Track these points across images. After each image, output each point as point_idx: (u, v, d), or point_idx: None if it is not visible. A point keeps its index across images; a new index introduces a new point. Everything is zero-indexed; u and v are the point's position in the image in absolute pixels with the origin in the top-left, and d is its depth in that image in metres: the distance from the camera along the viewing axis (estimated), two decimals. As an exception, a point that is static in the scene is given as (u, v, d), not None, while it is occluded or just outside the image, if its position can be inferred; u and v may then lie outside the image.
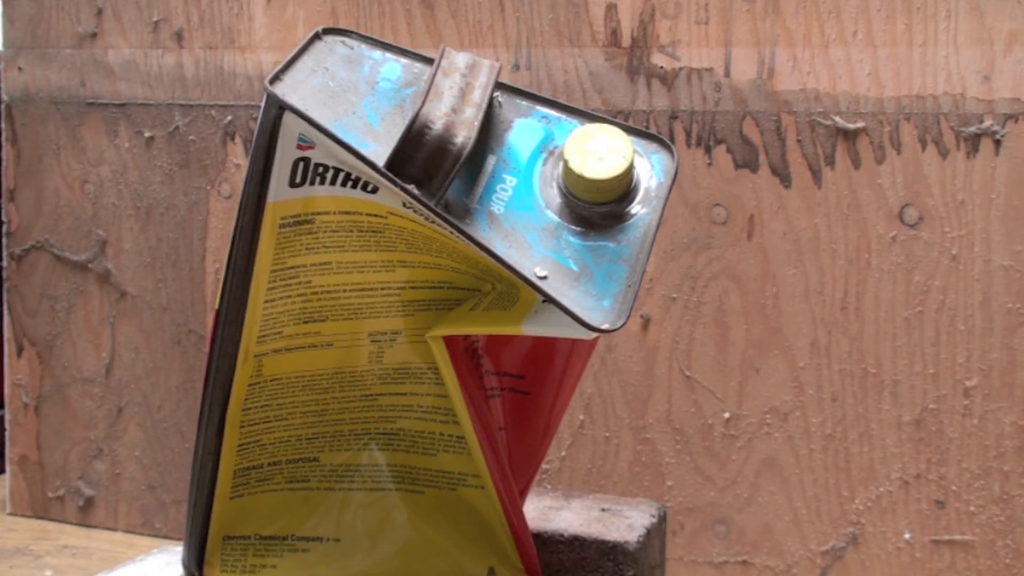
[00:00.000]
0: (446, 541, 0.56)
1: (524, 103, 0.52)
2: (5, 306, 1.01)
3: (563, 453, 0.84)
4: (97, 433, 0.98)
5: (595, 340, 0.53)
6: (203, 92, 0.92)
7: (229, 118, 0.92)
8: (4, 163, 1.00)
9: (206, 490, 0.53)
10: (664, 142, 0.51)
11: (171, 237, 0.94)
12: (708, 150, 0.79)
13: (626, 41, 0.80)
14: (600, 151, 0.48)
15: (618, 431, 0.83)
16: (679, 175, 0.80)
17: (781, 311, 0.78)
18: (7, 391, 1.01)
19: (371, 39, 0.51)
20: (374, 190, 0.48)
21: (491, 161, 0.50)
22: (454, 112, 0.47)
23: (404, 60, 0.50)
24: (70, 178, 0.97)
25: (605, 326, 0.45)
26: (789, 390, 0.78)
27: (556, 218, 0.49)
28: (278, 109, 0.46)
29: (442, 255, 0.51)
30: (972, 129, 0.73)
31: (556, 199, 0.49)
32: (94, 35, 0.96)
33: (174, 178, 0.94)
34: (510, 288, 0.50)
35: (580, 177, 0.48)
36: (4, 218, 1.00)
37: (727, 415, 0.80)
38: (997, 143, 0.73)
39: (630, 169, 0.48)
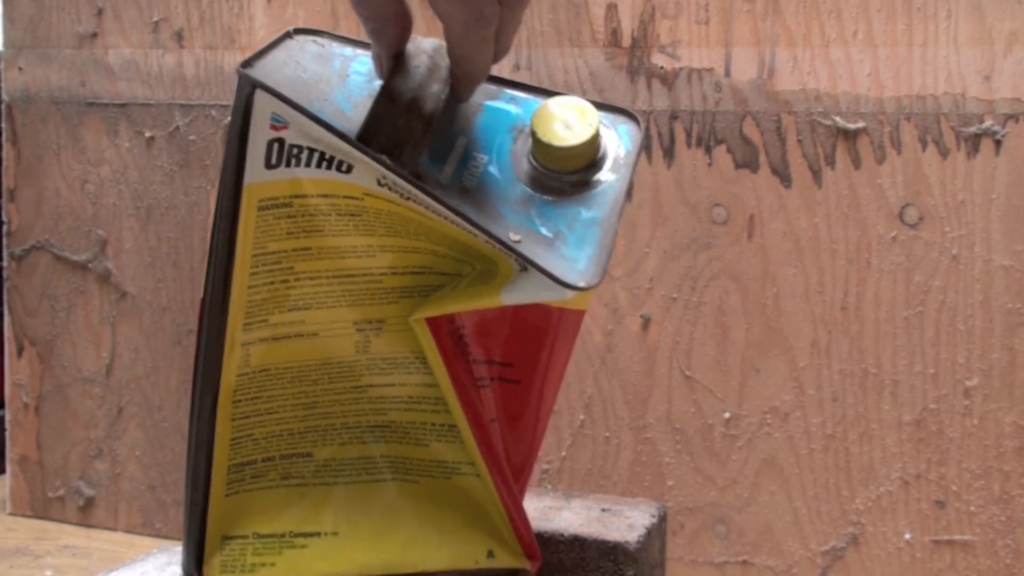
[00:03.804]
0: (444, 528, 0.56)
1: (492, 87, 0.53)
2: (5, 306, 1.01)
3: (563, 453, 0.84)
4: (97, 433, 0.98)
5: (579, 321, 0.54)
6: (203, 92, 0.92)
7: (229, 118, 0.92)
8: (4, 163, 1.00)
9: (201, 487, 0.52)
10: (631, 114, 0.52)
11: (171, 237, 0.94)
12: (708, 150, 0.79)
13: (626, 41, 0.80)
14: (566, 121, 0.49)
15: (618, 431, 0.83)
16: (681, 174, 0.80)
17: (781, 311, 0.78)
18: (7, 391, 1.01)
19: (342, 38, 0.53)
20: (348, 169, 0.48)
21: (462, 142, 0.51)
22: (421, 88, 0.48)
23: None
24: (70, 178, 0.97)
25: (581, 284, 0.46)
26: (789, 390, 0.78)
27: (528, 189, 0.50)
28: (250, 88, 0.46)
29: (420, 237, 0.51)
30: (972, 129, 0.73)
31: (527, 172, 0.50)
32: (94, 35, 0.96)
33: (174, 178, 0.94)
34: (489, 266, 0.51)
35: (548, 146, 0.49)
36: (4, 218, 1.00)
37: (727, 415, 0.80)
38: (997, 143, 0.73)
39: (596, 136, 0.50)
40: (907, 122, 0.74)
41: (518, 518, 0.55)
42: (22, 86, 0.98)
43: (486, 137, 0.51)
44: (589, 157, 0.50)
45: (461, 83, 0.50)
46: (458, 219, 0.47)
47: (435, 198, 0.46)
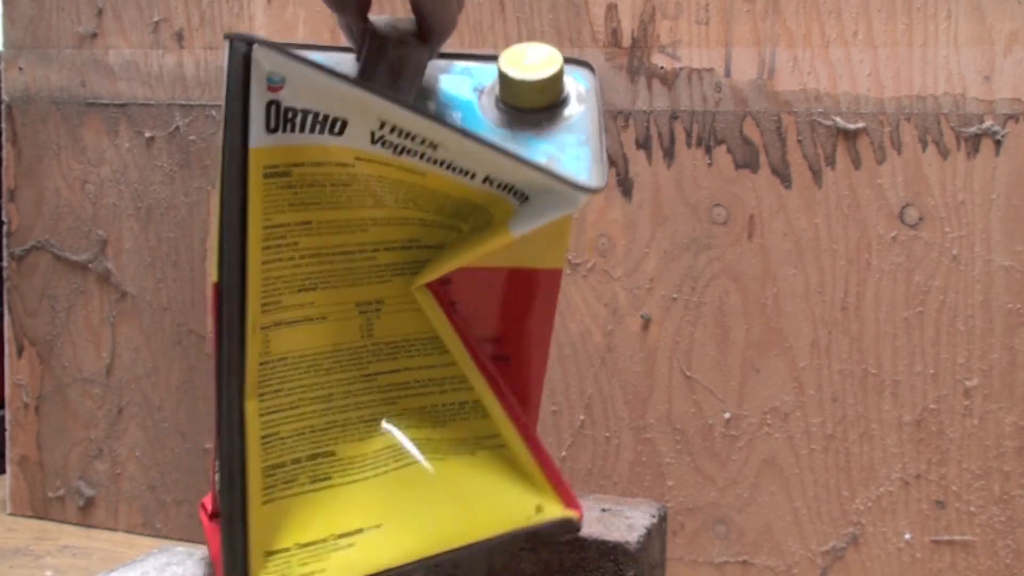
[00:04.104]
0: (487, 494, 0.55)
1: (442, 62, 0.56)
2: (5, 306, 1.01)
3: (563, 453, 0.84)
4: (97, 433, 0.98)
5: (558, 281, 0.56)
6: (203, 92, 0.92)
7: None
8: (4, 163, 1.00)
9: (239, 494, 0.49)
10: (583, 62, 0.57)
11: (171, 237, 0.94)
12: (708, 150, 0.79)
13: (626, 41, 0.80)
14: (532, 60, 0.54)
15: (618, 431, 0.83)
16: (681, 174, 0.80)
17: (781, 311, 0.78)
18: (7, 391, 1.01)
19: (303, 45, 0.56)
20: (342, 129, 0.47)
21: (431, 106, 0.55)
22: (399, 35, 0.52)
23: (339, 54, 0.55)
24: (70, 178, 0.97)
25: (593, 184, 0.50)
26: (789, 390, 0.78)
27: (508, 131, 0.53)
28: (246, 47, 0.45)
29: (409, 205, 0.51)
30: (972, 129, 0.73)
31: (501, 118, 0.54)
32: (94, 35, 0.96)
33: (175, 178, 0.94)
34: (482, 218, 0.52)
35: (521, 82, 0.53)
36: (4, 218, 1.00)
37: (727, 415, 0.80)
38: (997, 143, 0.73)
39: (562, 71, 0.54)
40: (907, 122, 0.74)
41: (553, 474, 0.55)
42: (22, 86, 0.98)
43: (452, 100, 0.55)
44: (557, 92, 0.54)
45: (432, 37, 0.53)
46: (468, 141, 0.48)
47: (439, 121, 0.48)
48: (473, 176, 0.50)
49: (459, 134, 0.48)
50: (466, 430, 0.55)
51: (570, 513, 0.56)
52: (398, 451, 0.54)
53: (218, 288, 0.48)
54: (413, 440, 0.54)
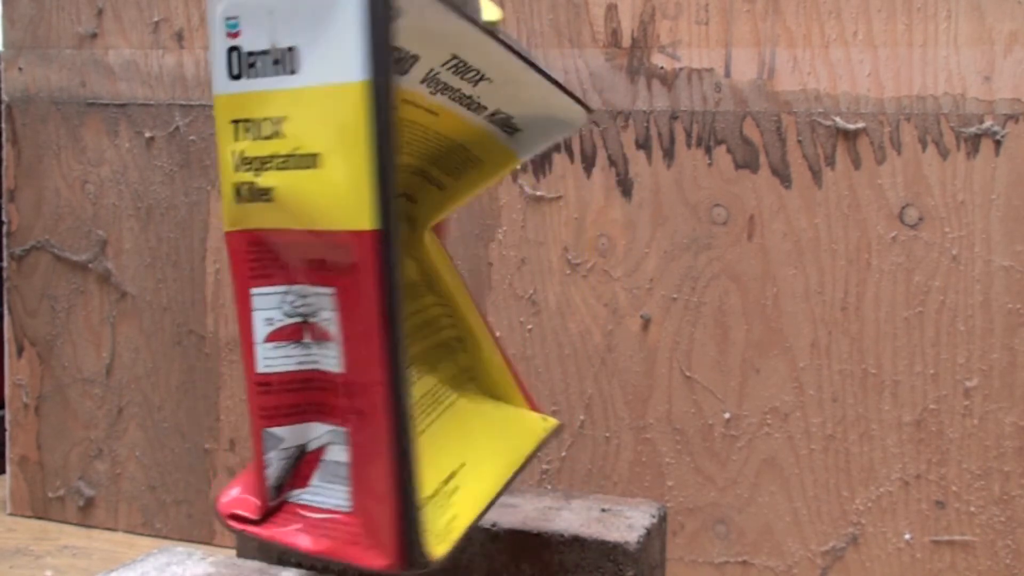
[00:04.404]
0: (505, 418, 0.57)
1: None
2: (5, 306, 1.01)
3: (563, 453, 0.84)
4: (97, 433, 0.98)
5: (445, 237, 0.58)
6: (203, 92, 0.92)
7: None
8: (4, 163, 1.00)
9: (411, 453, 0.45)
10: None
11: (171, 237, 0.94)
12: (708, 150, 0.79)
13: (626, 41, 0.80)
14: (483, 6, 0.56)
15: (618, 431, 0.83)
16: (681, 175, 0.80)
17: (781, 311, 0.78)
18: (7, 391, 1.01)
19: None
20: (407, 69, 0.46)
21: None
22: None
23: None
24: (70, 178, 0.97)
25: (591, 106, 0.54)
26: (789, 390, 0.78)
27: None
28: None
29: (403, 149, 0.51)
30: (972, 129, 0.73)
31: None
32: (94, 35, 0.96)
33: (174, 178, 0.94)
34: (461, 157, 0.53)
35: (489, 23, 0.54)
36: (4, 218, 1.00)
37: (727, 415, 0.80)
38: (997, 143, 0.73)
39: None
40: (907, 122, 0.74)
41: (528, 393, 0.58)
42: (22, 86, 0.98)
43: None
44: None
45: None
46: (531, 71, 0.50)
47: (500, 41, 0.48)
48: (483, 111, 0.51)
49: (527, 64, 0.49)
50: (452, 368, 0.56)
51: (555, 421, 0.59)
52: (432, 396, 0.55)
53: (384, 235, 0.44)
54: (436, 384, 0.55)
